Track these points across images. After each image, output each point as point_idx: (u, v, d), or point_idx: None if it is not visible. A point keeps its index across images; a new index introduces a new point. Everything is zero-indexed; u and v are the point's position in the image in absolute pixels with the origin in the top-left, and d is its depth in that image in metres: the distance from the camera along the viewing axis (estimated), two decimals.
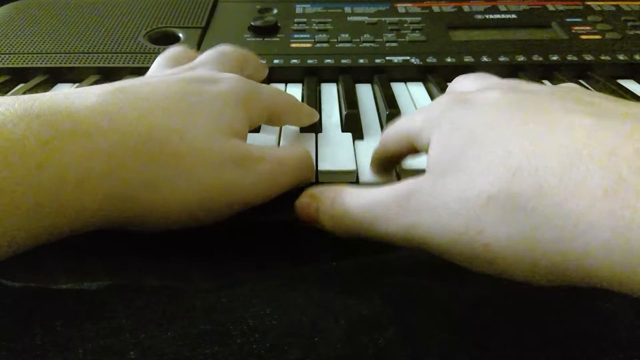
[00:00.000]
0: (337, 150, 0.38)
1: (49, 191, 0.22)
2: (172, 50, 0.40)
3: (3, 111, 0.22)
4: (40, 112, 0.23)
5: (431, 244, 0.23)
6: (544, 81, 0.51)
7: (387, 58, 0.52)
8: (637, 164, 0.17)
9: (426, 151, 0.27)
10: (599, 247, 0.18)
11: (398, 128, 0.31)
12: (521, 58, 0.52)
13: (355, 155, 0.38)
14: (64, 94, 0.26)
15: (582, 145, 0.19)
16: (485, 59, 0.52)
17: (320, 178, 0.36)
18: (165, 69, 0.37)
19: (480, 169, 0.22)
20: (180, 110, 0.28)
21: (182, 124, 0.27)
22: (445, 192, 0.23)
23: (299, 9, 0.63)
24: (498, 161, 0.21)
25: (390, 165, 0.35)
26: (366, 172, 0.36)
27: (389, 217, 0.25)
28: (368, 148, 0.38)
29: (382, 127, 0.43)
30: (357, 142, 0.40)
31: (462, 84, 0.33)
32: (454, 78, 0.50)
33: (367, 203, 0.26)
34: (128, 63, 0.52)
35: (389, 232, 0.25)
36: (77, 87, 0.50)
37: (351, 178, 0.36)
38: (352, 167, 0.36)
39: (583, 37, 0.56)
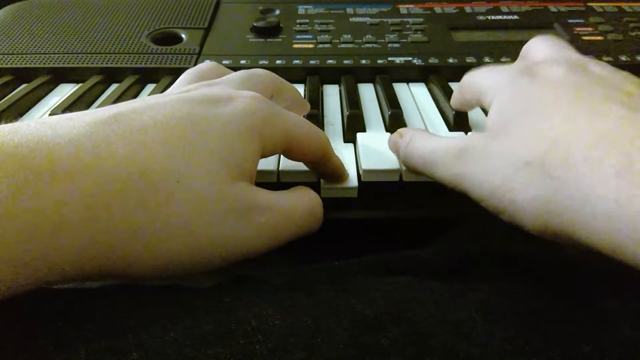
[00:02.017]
0: (339, 152, 0.38)
1: (16, 244, 0.19)
2: (201, 65, 0.36)
3: None
4: (16, 150, 0.20)
5: (471, 193, 0.28)
6: None
7: (389, 59, 0.52)
8: None
9: (488, 108, 0.30)
10: (603, 214, 0.21)
11: (472, 80, 0.34)
12: None
13: (357, 155, 0.38)
14: (52, 122, 0.23)
15: (609, 131, 0.22)
16: (487, 59, 0.52)
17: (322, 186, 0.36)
18: (186, 85, 0.33)
19: (524, 137, 0.25)
20: (182, 145, 0.24)
21: (182, 164, 0.24)
22: (492, 151, 0.27)
23: (301, 9, 0.63)
24: (540, 133, 0.25)
25: (467, 105, 0.38)
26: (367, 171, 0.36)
27: (445, 164, 0.29)
28: (370, 147, 0.38)
29: (385, 128, 0.43)
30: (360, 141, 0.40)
31: (538, 48, 0.34)
32: (455, 79, 0.51)
33: (431, 149, 0.31)
34: (131, 63, 0.52)
35: (443, 177, 0.29)
36: (76, 89, 0.50)
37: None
38: (354, 167, 0.36)
39: (585, 38, 0.56)
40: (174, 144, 0.24)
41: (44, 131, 0.21)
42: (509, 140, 0.26)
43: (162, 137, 0.24)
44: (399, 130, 0.35)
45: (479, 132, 0.29)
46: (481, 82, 0.32)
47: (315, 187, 0.33)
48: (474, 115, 0.44)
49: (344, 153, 0.38)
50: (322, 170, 0.34)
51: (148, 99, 0.27)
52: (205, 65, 0.36)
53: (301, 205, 0.29)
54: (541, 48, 0.33)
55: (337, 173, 0.35)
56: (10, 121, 0.44)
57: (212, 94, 0.28)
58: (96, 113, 0.24)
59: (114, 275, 0.23)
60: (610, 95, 0.24)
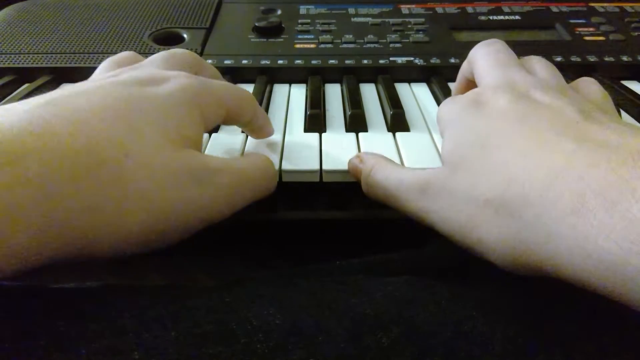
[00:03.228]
0: (341, 150, 0.38)
1: None
2: (120, 55, 0.36)
3: None
4: None
5: (438, 228, 0.28)
6: None
7: (390, 59, 0.52)
8: (598, 189, 0.20)
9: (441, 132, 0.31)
10: (565, 251, 0.21)
11: (438, 113, 0.33)
12: None
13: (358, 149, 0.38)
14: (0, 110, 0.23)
15: (560, 167, 0.22)
16: None
17: (324, 178, 0.36)
18: (107, 72, 0.33)
19: (482, 173, 0.25)
20: (123, 120, 0.25)
21: (125, 137, 0.24)
22: (454, 187, 0.27)
23: (303, 9, 0.63)
24: (497, 169, 0.25)
25: None
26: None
27: (408, 198, 0.29)
28: (372, 146, 0.38)
29: (386, 127, 0.43)
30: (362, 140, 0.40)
31: (481, 63, 0.34)
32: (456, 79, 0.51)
33: (394, 181, 0.30)
34: None
35: (407, 210, 0.29)
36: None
37: (353, 178, 0.36)
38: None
39: (586, 38, 0.56)
40: (115, 120, 0.24)
41: None
42: (467, 176, 0.26)
43: (101, 116, 0.24)
44: (359, 155, 0.35)
45: (438, 167, 0.29)
46: (440, 118, 0.32)
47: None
48: None
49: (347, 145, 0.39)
50: (252, 126, 0.36)
51: (76, 86, 0.27)
52: (123, 54, 0.36)
53: (254, 165, 0.30)
54: (484, 66, 0.33)
55: (266, 125, 0.37)
56: None
57: (143, 75, 0.29)
58: (31, 101, 0.24)
59: (80, 256, 0.23)
60: (557, 126, 0.25)
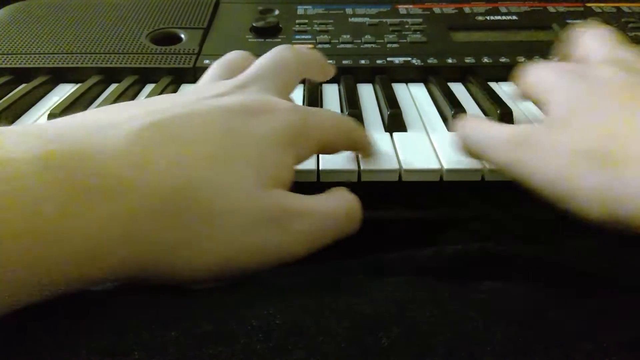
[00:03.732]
0: None
1: (57, 259, 0.19)
2: (229, 57, 0.36)
3: (14, 156, 0.19)
4: (64, 164, 0.19)
5: (530, 180, 0.29)
6: None
7: (388, 59, 0.53)
8: None
9: (542, 104, 0.32)
10: None
11: (532, 75, 0.35)
12: (522, 59, 0.52)
13: (357, 155, 0.38)
14: (93, 129, 0.22)
15: None
16: (486, 60, 0.52)
17: (321, 177, 0.36)
18: (217, 80, 0.33)
19: (584, 129, 0.27)
20: (222, 159, 0.25)
21: (222, 178, 0.24)
22: (554, 140, 0.28)
23: (300, 10, 0.63)
24: (600, 123, 0.27)
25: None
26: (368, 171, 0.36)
27: (504, 149, 0.30)
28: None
29: (384, 127, 0.43)
30: None
31: (589, 45, 0.36)
32: (455, 79, 0.51)
33: (491, 133, 0.32)
34: (130, 63, 0.52)
35: (499, 161, 0.31)
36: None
37: (352, 177, 0.36)
38: (353, 167, 0.36)
39: None
40: (212, 156, 0.24)
41: (87, 140, 0.21)
42: (569, 131, 0.28)
43: (202, 150, 0.24)
44: (464, 116, 0.37)
45: (537, 124, 0.32)
46: (540, 79, 0.34)
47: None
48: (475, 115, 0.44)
49: None
50: (354, 150, 0.36)
51: (184, 105, 0.26)
52: (233, 55, 0.36)
53: (338, 208, 0.29)
54: (592, 47, 0.35)
55: (366, 149, 0.36)
56: (9, 122, 0.44)
57: (248, 103, 0.28)
58: (139, 118, 0.24)
59: (147, 282, 0.24)
60: None
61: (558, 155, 0.27)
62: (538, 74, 0.34)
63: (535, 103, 0.37)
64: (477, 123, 0.34)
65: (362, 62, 0.52)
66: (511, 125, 0.32)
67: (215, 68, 0.35)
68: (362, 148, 0.35)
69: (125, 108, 0.25)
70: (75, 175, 0.20)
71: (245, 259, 0.25)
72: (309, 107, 0.32)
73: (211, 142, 0.25)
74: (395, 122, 0.42)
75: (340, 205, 0.29)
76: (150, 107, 0.26)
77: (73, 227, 0.19)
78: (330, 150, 0.33)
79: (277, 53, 0.34)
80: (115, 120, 0.23)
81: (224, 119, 0.26)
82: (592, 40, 0.35)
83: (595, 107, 0.28)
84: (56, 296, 0.21)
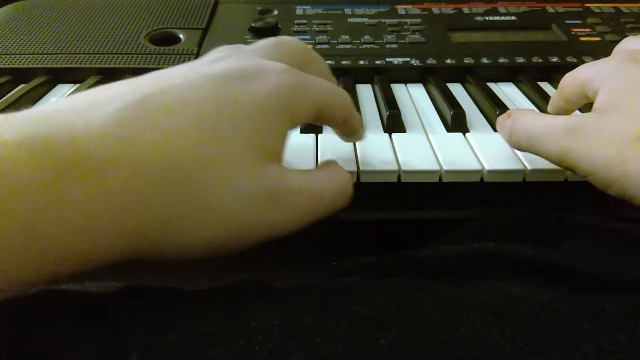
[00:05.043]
0: (337, 151, 0.38)
1: (51, 238, 0.19)
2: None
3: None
4: (48, 143, 0.19)
5: (580, 166, 0.30)
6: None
7: (387, 59, 0.53)
8: None
9: (593, 96, 0.33)
10: None
11: (575, 74, 0.36)
12: (521, 60, 0.52)
13: (356, 155, 0.38)
14: (80, 108, 0.22)
15: None
16: (485, 60, 0.52)
17: None
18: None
19: (634, 114, 0.28)
20: (211, 129, 0.24)
21: (212, 152, 0.23)
22: (603, 126, 0.29)
23: (299, 10, 0.63)
24: None
25: (566, 107, 0.39)
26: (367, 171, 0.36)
27: (553, 138, 0.31)
28: (368, 147, 0.38)
29: (383, 128, 0.43)
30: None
31: (633, 44, 0.37)
32: (453, 80, 0.51)
33: (539, 124, 0.33)
34: (129, 64, 0.52)
35: (550, 150, 0.32)
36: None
37: (352, 179, 0.36)
38: (352, 168, 0.36)
39: (582, 38, 0.56)
40: (202, 129, 0.24)
41: (73, 120, 0.21)
42: (619, 117, 0.29)
43: (190, 123, 0.23)
44: (508, 111, 0.37)
45: (586, 112, 0.33)
46: (585, 73, 0.35)
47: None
48: (472, 117, 0.44)
49: (343, 146, 0.39)
50: (344, 130, 0.35)
51: (174, 75, 0.26)
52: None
53: (333, 184, 0.29)
54: (637, 43, 0.36)
55: (357, 129, 0.35)
56: None
57: (239, 67, 0.27)
58: (123, 96, 0.23)
59: (145, 260, 0.23)
60: None
61: (607, 141, 0.28)
62: (591, 69, 0.35)
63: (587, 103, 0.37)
64: (525, 116, 0.35)
65: (361, 62, 0.52)
66: (560, 116, 0.33)
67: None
68: (356, 126, 0.34)
69: (113, 86, 0.24)
70: (60, 154, 0.19)
71: (241, 236, 0.25)
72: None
73: (201, 115, 0.24)
74: (394, 123, 0.42)
75: (333, 180, 0.29)
76: (139, 82, 0.25)
77: (60, 204, 0.19)
78: (326, 118, 0.31)
79: (280, 37, 0.33)
80: (101, 99, 0.23)
81: (215, 88, 0.25)
82: (635, 41, 0.37)
83: None
84: (57, 279, 0.21)
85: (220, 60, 0.28)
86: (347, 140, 0.37)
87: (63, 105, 0.22)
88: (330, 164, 0.31)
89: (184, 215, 0.23)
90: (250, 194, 0.24)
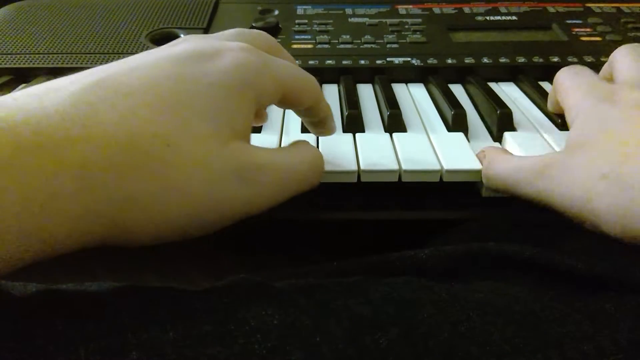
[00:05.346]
0: (338, 150, 0.38)
1: (9, 217, 0.19)
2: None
3: None
4: (1, 125, 0.19)
5: (555, 205, 0.30)
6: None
7: (387, 59, 0.52)
8: None
9: (569, 123, 0.34)
10: None
11: (560, 94, 0.37)
12: (522, 59, 0.52)
13: (357, 155, 0.38)
14: (39, 93, 0.22)
15: None
16: (485, 60, 0.52)
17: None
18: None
19: (601, 152, 0.28)
20: (171, 110, 0.24)
21: (172, 130, 0.23)
22: (573, 165, 0.29)
23: (300, 10, 0.63)
24: (616, 148, 0.28)
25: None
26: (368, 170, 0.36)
27: (528, 181, 0.31)
28: (370, 147, 0.38)
29: (383, 128, 0.43)
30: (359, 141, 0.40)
31: (622, 62, 0.36)
32: (454, 79, 0.51)
33: (513, 170, 0.33)
34: None
35: (527, 194, 0.32)
36: None
37: (352, 178, 0.36)
38: (353, 167, 0.36)
39: (583, 38, 0.56)
40: (162, 108, 0.24)
41: (29, 103, 0.21)
42: (587, 155, 0.29)
43: (149, 101, 0.23)
44: (483, 150, 0.37)
45: (556, 151, 0.35)
46: (568, 97, 0.35)
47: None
48: (472, 117, 0.44)
49: (344, 146, 0.39)
50: (313, 118, 0.34)
51: (133, 59, 0.26)
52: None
53: (303, 160, 0.29)
54: (626, 64, 0.36)
55: (326, 120, 0.35)
56: None
57: (199, 48, 0.27)
58: (81, 80, 0.23)
59: (118, 243, 0.23)
60: None
61: (576, 179, 0.29)
62: (573, 99, 0.35)
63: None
64: (497, 161, 0.34)
65: (362, 62, 0.52)
66: (530, 157, 0.33)
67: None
68: (324, 115, 0.34)
69: (74, 74, 0.24)
70: (20, 134, 0.19)
71: (210, 214, 0.25)
72: None
73: (160, 94, 0.24)
74: (395, 123, 0.42)
75: (304, 157, 0.30)
76: (98, 67, 0.25)
77: (17, 180, 0.19)
78: (293, 102, 0.31)
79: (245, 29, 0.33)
80: (60, 85, 0.23)
81: (174, 68, 0.25)
82: (625, 57, 0.36)
83: (614, 129, 0.29)
84: (25, 265, 0.20)
85: (180, 43, 0.28)
86: (318, 134, 0.37)
87: (21, 93, 0.22)
88: (300, 142, 0.31)
89: (148, 193, 0.23)
90: (215, 170, 0.24)
